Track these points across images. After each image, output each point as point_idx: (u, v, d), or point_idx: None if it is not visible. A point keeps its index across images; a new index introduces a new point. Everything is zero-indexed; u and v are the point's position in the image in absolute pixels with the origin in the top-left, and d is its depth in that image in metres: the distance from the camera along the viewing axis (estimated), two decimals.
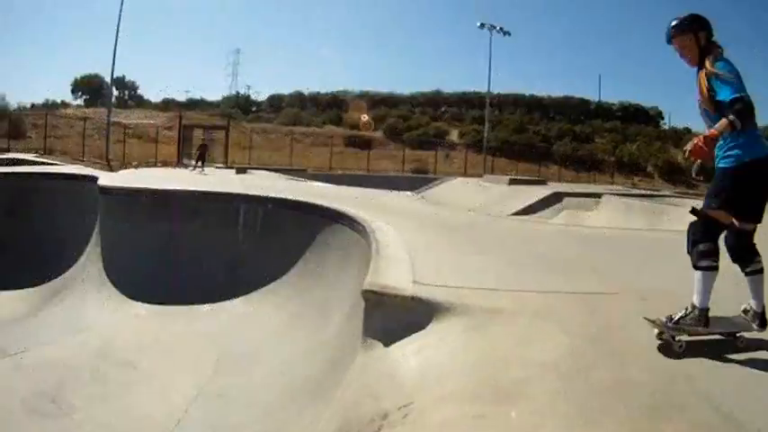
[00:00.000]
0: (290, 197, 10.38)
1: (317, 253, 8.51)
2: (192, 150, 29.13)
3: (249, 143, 38.72)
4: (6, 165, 17.77)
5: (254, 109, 68.19)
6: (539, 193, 14.46)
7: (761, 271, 3.59)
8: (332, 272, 7.82)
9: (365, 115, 30.61)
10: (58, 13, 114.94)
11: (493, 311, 3.98)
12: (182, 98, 69.03)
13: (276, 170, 25.39)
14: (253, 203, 10.25)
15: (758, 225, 3.61)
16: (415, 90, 71.56)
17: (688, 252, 3.59)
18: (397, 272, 4.78)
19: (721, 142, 3.40)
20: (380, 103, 65.72)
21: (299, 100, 68.11)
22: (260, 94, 78.42)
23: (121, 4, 30.45)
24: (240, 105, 64.82)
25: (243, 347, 7.43)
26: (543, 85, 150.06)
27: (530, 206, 13.87)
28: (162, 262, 9.83)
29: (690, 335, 3.51)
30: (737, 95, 3.31)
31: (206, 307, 8.90)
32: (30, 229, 12.44)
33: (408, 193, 15.87)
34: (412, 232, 7.47)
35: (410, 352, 3.69)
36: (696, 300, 3.51)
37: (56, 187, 13.90)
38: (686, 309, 3.54)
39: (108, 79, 38.56)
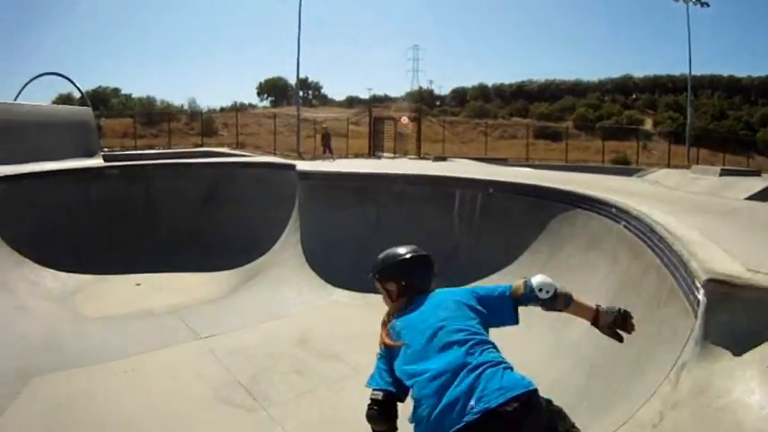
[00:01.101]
0: (513, 180, 9.04)
1: (548, 242, 7.17)
2: (383, 143, 28.84)
3: (440, 136, 37.99)
4: (201, 157, 18.06)
5: (438, 103, 68.10)
6: (756, 184, 12.33)
7: None
8: (572, 262, 6.41)
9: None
10: (243, 23, 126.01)
11: None
12: (364, 95, 71.09)
13: (474, 159, 24.17)
14: (470, 187, 9.09)
15: None
16: (603, 76, 66.63)
17: None
18: (720, 259, 3.63)
19: None
20: (567, 92, 62.08)
21: (482, 93, 66.70)
22: (442, 88, 78.31)
23: (300, 9, 31.11)
24: (424, 100, 64.79)
25: None
26: (742, 65, 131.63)
27: (750, 197, 11.73)
28: (364, 248, 8.99)
29: None
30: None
31: None
32: (227, 216, 12.41)
33: (631, 178, 13.90)
34: (677, 215, 5.73)
35: None
36: None
37: (253, 175, 13.81)
38: None
39: (291, 81, 40.05)
